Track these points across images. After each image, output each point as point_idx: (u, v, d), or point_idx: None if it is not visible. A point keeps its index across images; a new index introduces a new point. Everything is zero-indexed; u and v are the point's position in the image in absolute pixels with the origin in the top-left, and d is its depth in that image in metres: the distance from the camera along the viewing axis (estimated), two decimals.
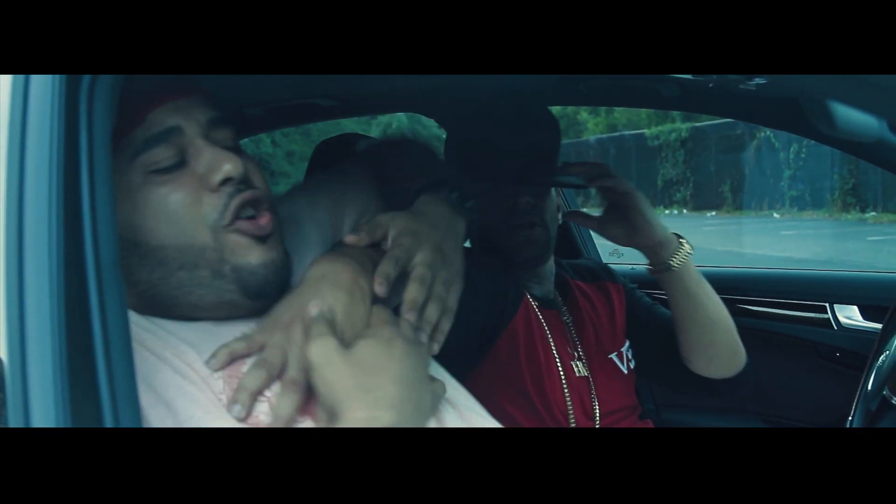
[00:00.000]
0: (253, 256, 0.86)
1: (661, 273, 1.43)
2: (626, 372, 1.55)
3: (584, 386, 1.50)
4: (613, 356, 1.55)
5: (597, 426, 1.49)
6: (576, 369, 1.51)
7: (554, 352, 1.50)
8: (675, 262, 1.41)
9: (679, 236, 1.44)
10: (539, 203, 1.48)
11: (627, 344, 1.60)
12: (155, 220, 0.84)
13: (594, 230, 1.50)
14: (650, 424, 1.59)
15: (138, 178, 0.84)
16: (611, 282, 1.66)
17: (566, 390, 1.48)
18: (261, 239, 0.87)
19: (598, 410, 1.49)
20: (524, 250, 1.49)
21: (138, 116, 0.84)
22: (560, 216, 1.60)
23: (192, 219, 0.85)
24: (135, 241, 0.84)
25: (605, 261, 2.43)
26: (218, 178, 0.85)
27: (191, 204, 0.85)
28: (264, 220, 0.88)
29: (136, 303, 0.86)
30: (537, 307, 1.53)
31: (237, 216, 0.86)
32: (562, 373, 1.48)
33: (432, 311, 0.91)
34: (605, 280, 1.66)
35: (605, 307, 1.61)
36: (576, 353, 1.53)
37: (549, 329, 1.52)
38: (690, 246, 1.43)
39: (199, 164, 0.86)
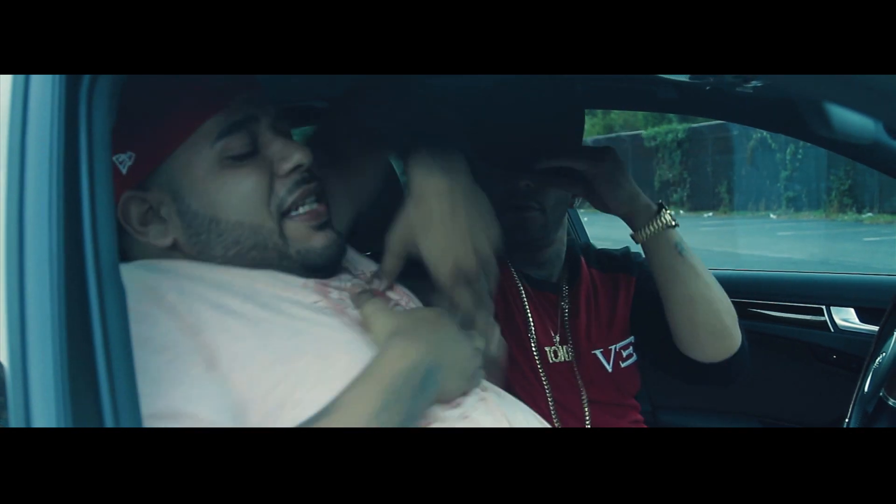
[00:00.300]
0: (316, 241, 0.97)
1: (639, 243, 1.40)
2: (610, 370, 1.53)
3: (565, 370, 1.50)
4: (598, 352, 1.53)
5: (585, 409, 1.48)
6: (550, 354, 1.50)
7: (531, 334, 1.50)
8: (644, 232, 1.37)
9: (662, 206, 1.39)
10: (540, 187, 1.46)
11: (627, 340, 1.57)
12: (232, 199, 0.92)
13: (581, 195, 1.47)
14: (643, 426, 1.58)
15: (216, 163, 0.92)
16: (625, 273, 1.61)
17: (541, 372, 1.47)
18: (319, 226, 0.98)
19: (584, 393, 1.49)
20: (514, 233, 1.46)
21: (220, 102, 0.92)
22: (577, 201, 1.57)
23: (263, 201, 0.94)
24: (214, 217, 0.92)
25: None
26: (289, 166, 0.94)
27: (263, 188, 0.94)
28: (321, 208, 0.98)
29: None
30: (527, 288, 1.53)
31: (299, 204, 0.96)
32: (536, 355, 1.48)
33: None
34: (619, 272, 1.62)
35: (608, 300, 1.59)
36: (557, 338, 1.52)
37: (532, 311, 1.51)
38: (671, 218, 1.37)
39: (270, 151, 0.95)
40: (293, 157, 0.95)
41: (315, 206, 0.98)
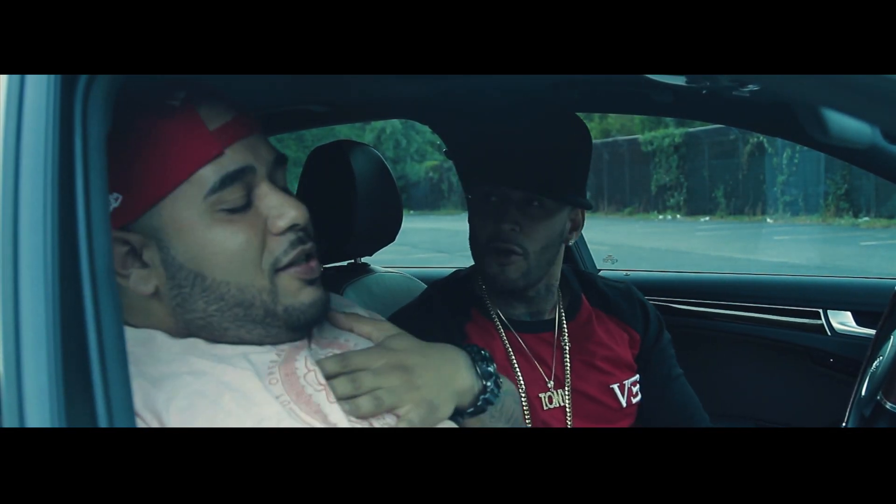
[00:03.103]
0: (304, 296, 0.93)
1: None
2: (624, 405, 1.51)
3: (559, 416, 1.46)
4: (615, 387, 1.50)
5: None
6: (544, 401, 1.45)
7: (520, 387, 1.43)
8: None
9: None
10: (525, 230, 1.41)
11: (635, 378, 1.54)
12: (220, 256, 0.88)
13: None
14: None
15: (207, 214, 0.88)
16: (630, 327, 1.58)
17: (528, 422, 1.42)
18: (310, 281, 0.94)
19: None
20: (497, 279, 1.44)
21: (217, 148, 0.88)
22: (573, 236, 1.52)
23: (254, 260, 0.90)
24: (200, 273, 0.88)
25: (598, 266, 2.44)
26: (284, 224, 0.91)
27: (254, 246, 0.90)
28: (313, 263, 0.95)
29: (181, 328, 0.91)
30: (512, 337, 1.49)
31: (294, 262, 0.92)
32: (525, 407, 1.42)
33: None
34: (623, 321, 1.58)
35: (613, 342, 1.55)
36: (552, 383, 1.47)
37: (520, 360, 1.47)
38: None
39: (264, 206, 0.91)
40: (288, 214, 0.91)
41: (308, 262, 0.95)
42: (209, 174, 0.87)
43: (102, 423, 0.63)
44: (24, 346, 0.61)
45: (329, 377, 0.91)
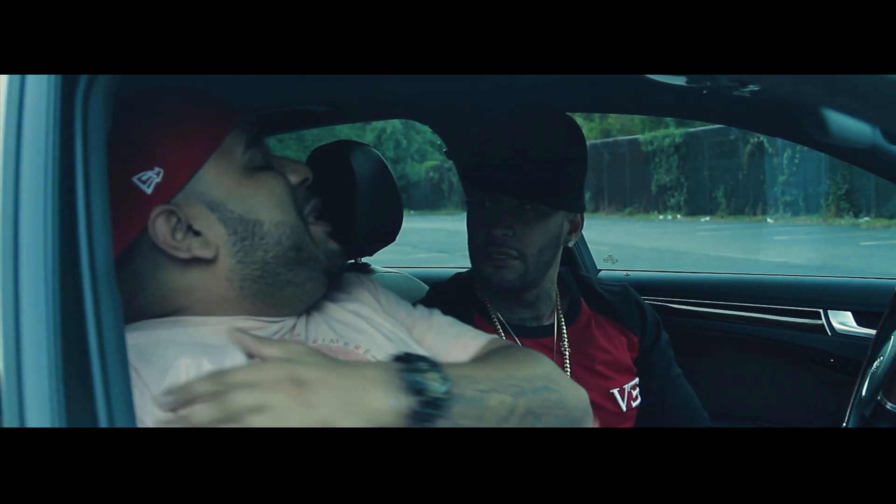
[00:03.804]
0: (333, 245, 1.03)
1: None
2: (624, 409, 1.51)
3: None
4: (615, 391, 1.51)
5: None
6: None
7: None
8: None
9: None
10: (519, 234, 1.42)
11: (635, 381, 1.55)
12: (271, 199, 0.97)
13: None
14: None
15: (246, 171, 0.97)
16: (630, 331, 1.59)
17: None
18: (330, 234, 1.04)
19: None
20: (492, 281, 1.45)
21: (235, 117, 0.99)
22: (573, 238, 1.53)
23: (292, 203, 0.99)
24: (257, 220, 0.96)
25: (599, 266, 2.44)
26: (298, 179, 1.02)
27: (289, 191, 1.00)
28: (326, 223, 1.04)
29: (233, 290, 0.96)
30: (510, 337, 1.49)
31: (312, 214, 1.03)
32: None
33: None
34: (623, 325, 1.59)
35: (613, 345, 1.56)
36: None
37: None
38: None
39: (279, 166, 1.01)
40: (301, 169, 1.02)
41: (322, 221, 1.04)
42: (237, 137, 0.97)
43: (102, 423, 0.63)
44: (24, 346, 0.61)
45: (196, 400, 0.81)
